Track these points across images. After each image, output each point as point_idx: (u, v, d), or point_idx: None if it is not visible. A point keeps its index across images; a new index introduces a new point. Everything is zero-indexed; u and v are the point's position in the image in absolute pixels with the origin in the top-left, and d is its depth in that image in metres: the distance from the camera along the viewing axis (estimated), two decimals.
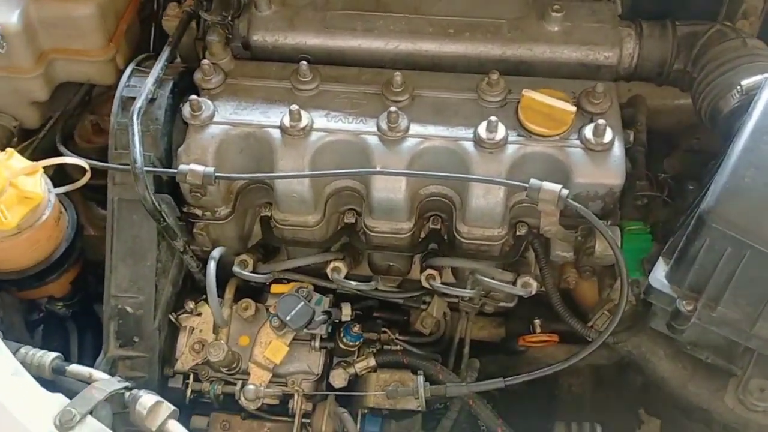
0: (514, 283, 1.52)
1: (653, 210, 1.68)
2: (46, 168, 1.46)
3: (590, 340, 1.56)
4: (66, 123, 1.83)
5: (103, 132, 1.87)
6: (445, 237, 1.61)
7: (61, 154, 1.65)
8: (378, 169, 1.43)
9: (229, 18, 1.59)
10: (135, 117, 1.42)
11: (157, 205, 1.41)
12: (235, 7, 1.65)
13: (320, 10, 1.66)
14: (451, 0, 1.68)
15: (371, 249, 1.60)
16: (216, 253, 1.48)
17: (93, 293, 1.71)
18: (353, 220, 1.61)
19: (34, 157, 1.75)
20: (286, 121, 1.46)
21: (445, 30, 1.64)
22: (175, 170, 1.41)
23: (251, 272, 1.53)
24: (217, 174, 1.41)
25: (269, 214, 1.60)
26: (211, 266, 1.44)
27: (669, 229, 1.60)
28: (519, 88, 1.52)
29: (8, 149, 1.44)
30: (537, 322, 1.72)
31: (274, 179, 1.45)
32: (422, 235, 1.62)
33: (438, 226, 1.61)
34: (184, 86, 1.58)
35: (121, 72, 1.75)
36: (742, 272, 1.26)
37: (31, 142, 1.78)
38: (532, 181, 1.37)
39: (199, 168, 1.40)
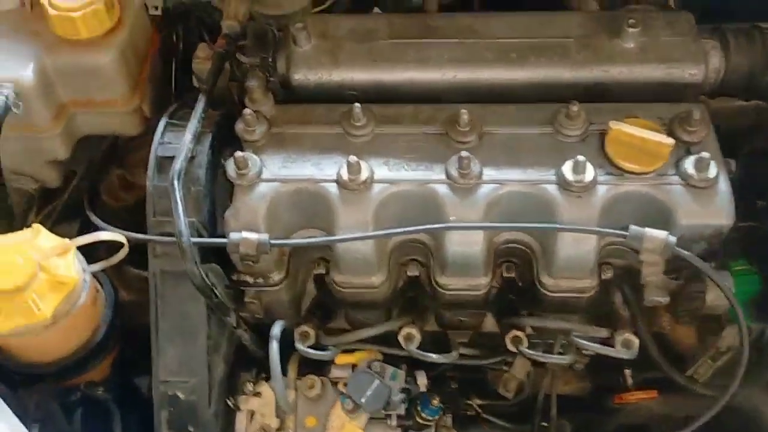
0: (611, 341, 1.35)
1: (751, 241, 1.51)
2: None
3: (696, 392, 1.41)
4: (92, 180, 1.67)
5: (132, 186, 1.71)
6: (519, 283, 1.44)
7: (88, 219, 1.50)
8: (455, 224, 1.26)
9: (269, 58, 1.42)
10: (176, 182, 1.26)
11: (207, 280, 1.25)
12: (272, 43, 1.49)
13: (364, 41, 1.49)
14: (510, 20, 1.51)
15: (442, 308, 1.43)
16: (277, 329, 1.31)
17: (132, 365, 1.56)
18: (417, 273, 1.44)
19: (58, 222, 1.62)
20: (344, 174, 1.29)
21: (506, 54, 1.46)
22: (226, 240, 1.25)
23: (314, 346, 1.36)
24: (272, 241, 1.24)
25: (324, 272, 1.44)
26: (274, 348, 1.27)
27: None
28: (598, 116, 1.36)
29: (35, 225, 1.27)
30: (627, 372, 1.55)
31: (337, 242, 1.28)
32: (497, 283, 1.46)
33: (512, 275, 1.44)
34: (222, 137, 1.42)
35: (148, 121, 1.61)
36: None
37: (55, 206, 1.61)
38: (633, 228, 1.20)
39: (253, 236, 1.24)
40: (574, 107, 1.32)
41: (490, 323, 1.54)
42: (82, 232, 1.80)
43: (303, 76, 1.47)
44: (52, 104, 1.49)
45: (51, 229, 1.30)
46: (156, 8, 1.56)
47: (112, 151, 1.72)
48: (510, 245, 1.39)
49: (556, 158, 1.32)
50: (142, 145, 1.68)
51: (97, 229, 1.38)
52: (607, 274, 1.38)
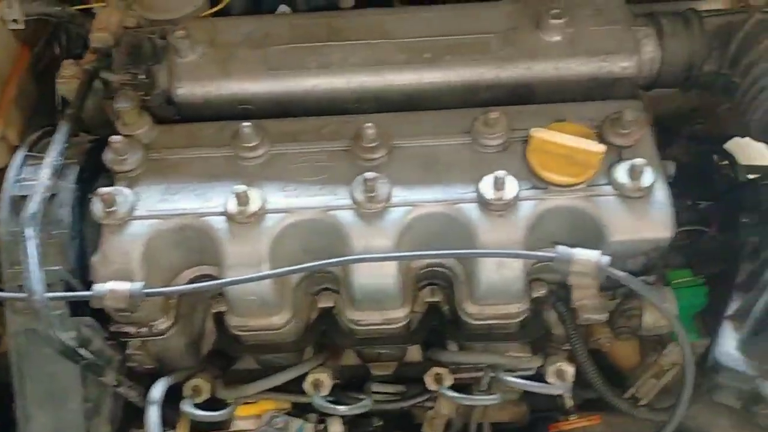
0: (543, 371, 1.20)
1: (695, 246, 1.37)
2: None
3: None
4: None
5: None
6: (446, 307, 1.29)
7: None
8: (361, 256, 1.09)
9: (141, 74, 1.23)
10: (28, 227, 1.06)
11: (70, 342, 1.06)
12: (150, 54, 1.30)
13: (259, 47, 1.31)
14: (425, 15, 1.34)
15: (357, 345, 1.27)
16: (158, 391, 1.13)
17: None
18: (331, 303, 1.28)
19: None
20: (232, 207, 1.12)
21: (420, 55, 1.29)
22: (89, 293, 1.06)
23: (208, 402, 1.19)
24: (147, 290, 1.06)
25: (224, 309, 1.27)
26: (152, 416, 1.09)
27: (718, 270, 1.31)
28: (522, 121, 1.20)
29: None
30: (567, 394, 1.40)
31: (224, 286, 1.11)
32: (418, 309, 1.30)
33: (437, 299, 1.29)
34: (95, 167, 1.23)
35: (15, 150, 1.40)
36: None
37: None
38: (560, 249, 1.05)
39: (122, 287, 1.05)
40: (494, 114, 1.16)
41: (416, 352, 1.38)
42: None
43: (188, 90, 1.28)
44: None
45: None
46: (15, 21, 1.34)
47: None
48: (432, 268, 1.23)
49: (476, 172, 1.16)
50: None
51: None
52: (540, 292, 1.23)
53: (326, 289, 1.27)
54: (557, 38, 1.29)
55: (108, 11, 1.29)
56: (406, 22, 1.33)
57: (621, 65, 1.28)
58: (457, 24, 1.32)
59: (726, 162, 1.53)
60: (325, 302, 1.27)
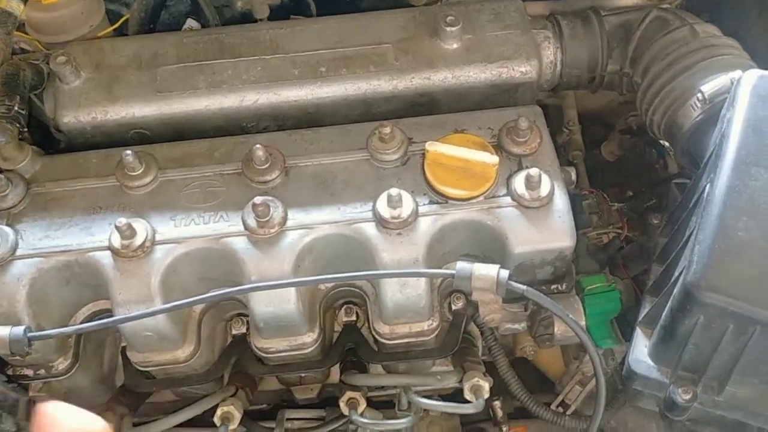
0: (460, 386, 1.18)
1: (610, 248, 1.36)
2: None
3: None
4: None
5: None
6: (365, 325, 1.25)
7: None
8: (253, 285, 1.05)
9: (17, 105, 1.16)
10: None
11: None
12: (35, 82, 1.24)
13: (148, 68, 1.26)
14: (319, 28, 1.31)
15: (270, 373, 1.23)
16: None
17: None
18: (243, 330, 1.23)
19: None
20: (116, 242, 1.06)
21: (314, 69, 1.26)
22: None
23: None
24: (30, 335, 1.00)
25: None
26: None
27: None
28: (422, 133, 1.17)
29: None
30: (497, 404, 1.38)
31: (114, 324, 1.05)
32: (336, 328, 1.27)
33: (353, 318, 1.25)
34: None
35: None
36: (752, 350, 0.95)
37: None
38: (460, 265, 1.01)
39: (2, 332, 0.99)
40: (386, 129, 1.13)
41: (338, 373, 1.34)
42: None
43: (73, 117, 1.23)
44: None
45: None
46: None
47: None
48: (342, 289, 1.20)
49: (374, 189, 1.12)
50: None
51: None
52: (458, 304, 1.20)
53: (241, 315, 1.23)
54: (455, 45, 1.26)
55: None
56: (300, 35, 1.29)
57: (521, 70, 1.25)
58: (352, 35, 1.29)
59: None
60: (237, 329, 1.23)
